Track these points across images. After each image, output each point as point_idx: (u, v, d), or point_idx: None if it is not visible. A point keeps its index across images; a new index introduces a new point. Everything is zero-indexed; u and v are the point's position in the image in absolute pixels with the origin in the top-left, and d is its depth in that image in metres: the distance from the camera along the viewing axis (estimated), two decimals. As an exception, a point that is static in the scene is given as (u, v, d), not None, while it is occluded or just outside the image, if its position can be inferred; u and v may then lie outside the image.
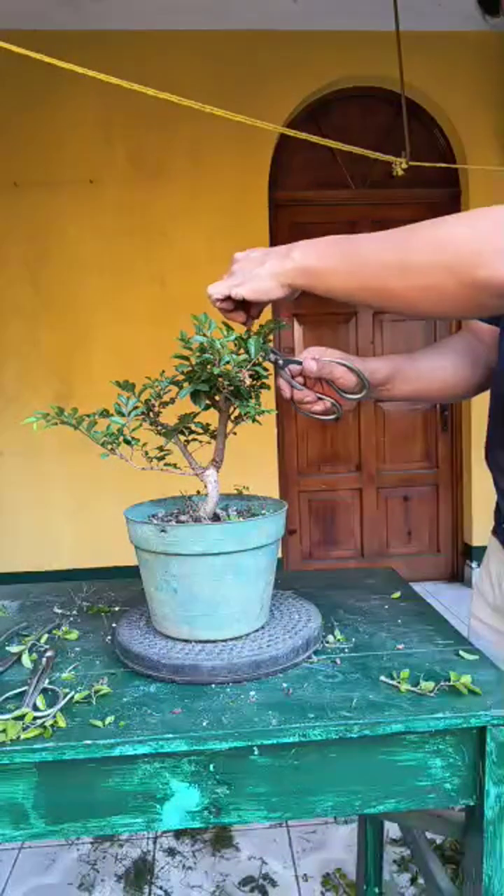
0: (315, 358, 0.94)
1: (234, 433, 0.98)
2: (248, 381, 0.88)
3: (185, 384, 0.90)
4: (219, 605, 0.88)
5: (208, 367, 0.86)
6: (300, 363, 0.94)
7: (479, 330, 1.09)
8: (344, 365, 0.94)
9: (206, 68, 3.42)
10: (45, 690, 0.83)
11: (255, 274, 0.87)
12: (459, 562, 3.97)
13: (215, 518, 0.95)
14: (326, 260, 0.84)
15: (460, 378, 1.07)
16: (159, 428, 0.94)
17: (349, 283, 0.82)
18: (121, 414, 0.90)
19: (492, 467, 1.01)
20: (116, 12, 3.27)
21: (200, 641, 0.89)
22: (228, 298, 0.89)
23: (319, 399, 0.96)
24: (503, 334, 1.00)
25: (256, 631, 0.92)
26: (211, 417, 0.95)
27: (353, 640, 0.95)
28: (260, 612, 0.92)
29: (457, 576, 3.96)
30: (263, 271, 0.86)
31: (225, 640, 0.89)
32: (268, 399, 0.99)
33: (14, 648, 0.95)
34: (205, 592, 0.87)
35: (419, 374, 1.05)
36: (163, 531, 0.85)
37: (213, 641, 0.89)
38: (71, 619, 1.09)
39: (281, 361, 0.94)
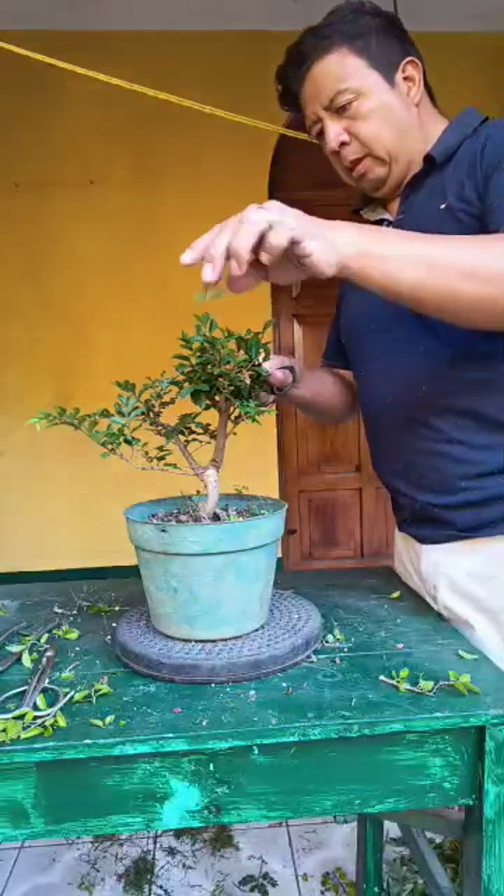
0: (277, 369, 1.05)
1: (234, 433, 0.98)
2: (248, 382, 0.89)
3: (186, 384, 0.90)
4: (218, 605, 0.88)
5: (208, 367, 0.86)
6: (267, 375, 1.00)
7: (343, 373, 1.30)
8: (288, 368, 1.07)
9: (206, 69, 3.42)
10: (45, 690, 0.83)
11: (329, 237, 0.75)
12: (459, 562, 3.96)
13: (215, 518, 0.95)
14: (399, 251, 0.79)
15: (339, 397, 1.27)
16: (159, 428, 0.94)
17: (415, 279, 0.78)
18: (121, 414, 0.90)
19: (378, 474, 1.17)
20: (116, 12, 3.27)
21: (200, 641, 0.89)
22: (257, 251, 0.74)
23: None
24: (358, 366, 1.17)
25: (256, 630, 0.92)
26: (211, 417, 0.95)
27: (353, 639, 0.95)
28: (259, 612, 0.93)
29: (457, 576, 3.96)
30: (329, 240, 0.75)
31: (224, 640, 0.89)
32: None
33: (14, 648, 0.96)
34: (204, 592, 0.87)
35: (321, 381, 1.25)
36: (163, 531, 0.85)
37: (213, 641, 0.89)
38: (71, 618, 1.10)
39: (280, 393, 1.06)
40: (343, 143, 1.05)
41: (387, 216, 1.13)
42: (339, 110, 1.03)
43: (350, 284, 0.95)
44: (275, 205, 0.75)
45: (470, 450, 0.99)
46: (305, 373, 1.16)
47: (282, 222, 0.72)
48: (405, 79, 1.04)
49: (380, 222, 1.13)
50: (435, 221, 0.96)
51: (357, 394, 1.24)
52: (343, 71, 1.01)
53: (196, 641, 0.89)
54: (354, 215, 1.18)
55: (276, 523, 0.91)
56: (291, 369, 1.09)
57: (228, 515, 0.97)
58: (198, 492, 1.01)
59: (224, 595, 0.87)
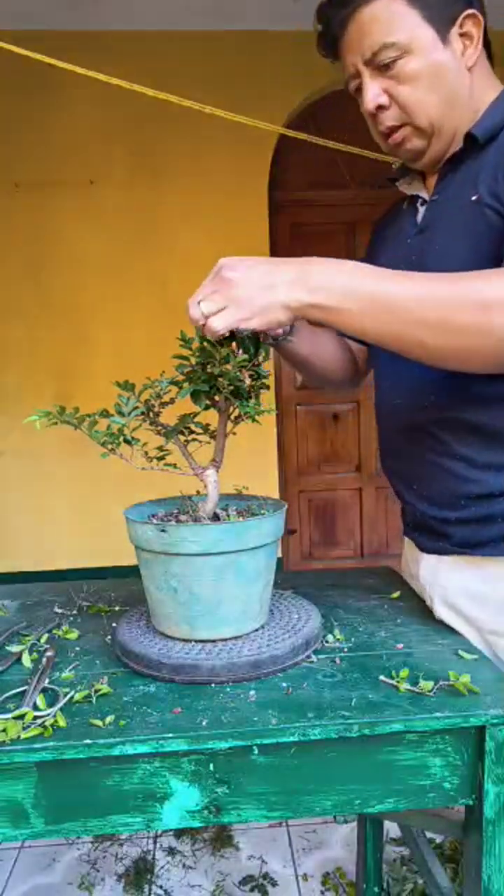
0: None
1: (234, 433, 0.98)
2: (248, 382, 0.89)
3: (185, 384, 0.90)
4: (218, 605, 0.88)
5: (208, 367, 0.86)
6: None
7: (349, 343, 1.19)
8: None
9: (206, 68, 3.42)
10: (45, 690, 0.83)
11: (265, 305, 0.78)
12: (459, 562, 3.96)
13: (215, 518, 0.95)
14: (352, 303, 0.77)
15: (339, 364, 1.16)
16: (159, 428, 0.94)
17: (374, 329, 0.77)
18: (121, 414, 0.90)
19: (385, 474, 1.10)
20: (116, 12, 3.27)
21: (200, 641, 0.89)
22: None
23: None
24: (373, 359, 1.08)
25: (256, 630, 0.92)
26: (210, 417, 0.95)
27: (353, 639, 0.95)
28: (259, 612, 0.93)
29: (457, 576, 3.96)
30: (275, 301, 0.77)
31: (224, 640, 0.89)
32: (267, 399, 0.99)
33: (14, 648, 0.96)
34: (204, 592, 0.87)
35: (322, 342, 1.13)
36: (162, 531, 0.85)
37: (213, 641, 0.89)
38: (71, 618, 1.10)
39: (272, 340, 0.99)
40: (381, 107, 0.92)
41: (423, 194, 1.01)
42: (382, 67, 0.89)
43: (376, 252, 0.96)
44: (222, 289, 0.78)
45: (474, 468, 0.92)
46: (305, 329, 1.08)
47: (219, 314, 0.78)
48: (462, 35, 0.89)
49: (415, 199, 1.02)
50: (464, 214, 0.88)
51: (362, 372, 1.19)
52: (392, 21, 0.87)
53: (196, 641, 0.89)
54: (390, 183, 1.07)
55: (276, 523, 0.91)
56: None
57: (228, 515, 0.97)
58: (198, 492, 1.01)
59: (224, 595, 0.87)
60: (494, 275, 0.75)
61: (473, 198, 0.87)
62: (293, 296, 0.77)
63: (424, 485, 0.99)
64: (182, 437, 0.97)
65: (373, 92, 0.91)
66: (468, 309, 0.74)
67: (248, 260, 0.80)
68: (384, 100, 0.91)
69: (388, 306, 0.76)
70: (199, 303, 0.79)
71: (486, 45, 0.93)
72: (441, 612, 1.00)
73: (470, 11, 0.88)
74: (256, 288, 0.78)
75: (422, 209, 0.99)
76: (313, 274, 0.78)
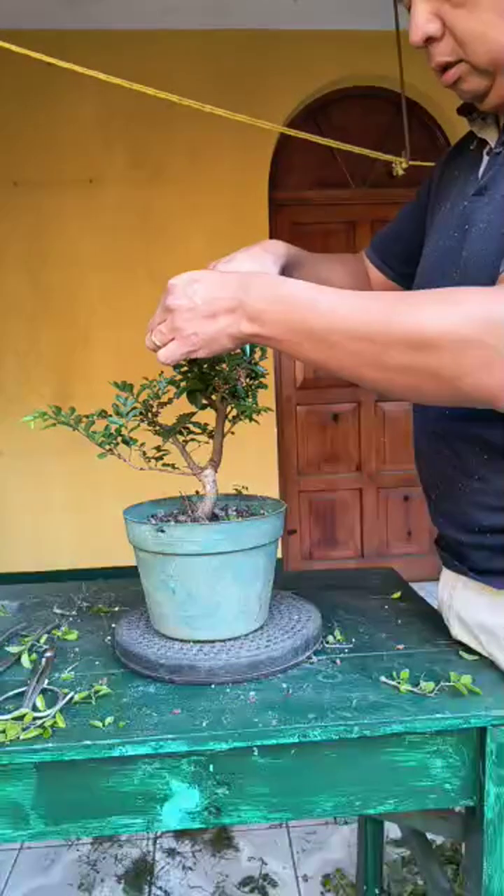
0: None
1: (233, 433, 0.98)
2: (244, 381, 0.88)
3: (183, 384, 0.90)
4: (218, 606, 0.87)
5: (204, 366, 0.86)
6: None
7: (373, 275, 1.10)
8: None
9: (206, 68, 3.42)
10: (44, 691, 0.83)
11: (210, 336, 0.75)
12: (459, 562, 3.96)
13: (214, 518, 0.95)
14: (291, 334, 0.72)
15: (351, 287, 1.03)
16: (157, 428, 0.94)
17: (316, 360, 0.72)
18: (119, 414, 0.90)
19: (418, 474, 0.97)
20: (116, 12, 3.27)
21: (199, 642, 0.89)
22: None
23: None
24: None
25: (256, 631, 0.92)
26: (209, 417, 0.95)
27: (353, 640, 0.95)
28: (259, 612, 0.92)
29: (457, 576, 3.96)
30: (220, 332, 0.74)
31: (224, 641, 0.89)
32: (266, 398, 0.99)
33: (14, 649, 0.95)
34: (203, 592, 0.87)
35: (317, 271, 1.03)
36: (161, 531, 0.85)
37: (212, 642, 0.89)
38: (70, 619, 1.09)
39: None
40: (430, 39, 0.75)
41: (491, 139, 0.84)
42: None
43: (439, 193, 0.89)
44: (168, 319, 0.77)
45: (492, 495, 0.81)
46: (306, 258, 1.01)
47: (168, 346, 0.78)
48: None
49: (484, 142, 0.85)
50: None
51: None
52: None
53: (195, 642, 0.89)
54: (460, 116, 0.88)
55: (275, 523, 0.91)
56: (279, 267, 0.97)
57: (227, 516, 0.97)
58: (197, 492, 1.01)
59: (223, 596, 0.87)
60: (429, 301, 0.65)
61: None
62: (235, 326, 0.74)
63: (441, 499, 0.91)
64: (180, 437, 0.97)
65: (422, 16, 0.73)
66: (401, 347, 0.65)
67: (192, 284, 0.76)
68: (433, 28, 0.73)
69: (324, 338, 0.69)
70: (151, 331, 0.79)
71: None
72: (457, 632, 0.94)
73: None
74: (199, 318, 0.75)
75: (486, 160, 0.83)
76: (249, 302, 0.73)
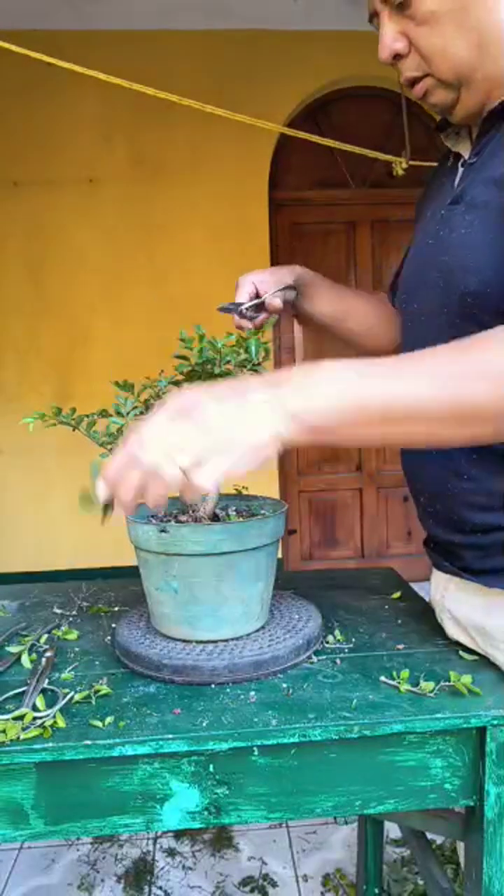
0: (267, 293, 0.96)
1: None
2: None
3: (185, 384, 0.90)
4: (219, 606, 0.87)
5: (209, 366, 0.86)
6: (261, 302, 0.97)
7: (390, 307, 1.10)
8: (284, 289, 1.00)
9: (206, 68, 3.42)
10: (44, 691, 0.83)
11: (253, 444, 0.61)
12: (459, 562, 3.96)
13: (215, 518, 0.95)
14: (346, 415, 0.62)
15: (375, 324, 1.06)
16: None
17: (378, 439, 0.67)
18: (119, 414, 0.90)
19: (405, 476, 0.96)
20: (116, 12, 3.27)
21: (200, 641, 0.89)
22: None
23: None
24: (403, 332, 0.95)
25: (257, 631, 0.92)
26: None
27: (353, 640, 0.95)
28: (260, 612, 0.92)
29: (457, 576, 3.96)
30: (259, 438, 0.61)
31: (225, 641, 0.89)
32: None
33: (14, 648, 0.95)
34: (205, 592, 0.87)
35: (342, 298, 1.04)
36: (163, 531, 0.85)
37: (214, 642, 0.89)
38: (71, 619, 1.09)
39: (245, 312, 0.97)
40: (398, 55, 0.78)
41: (464, 152, 0.87)
42: (399, 6, 0.75)
43: (421, 206, 0.90)
44: (193, 436, 0.61)
45: (482, 495, 0.81)
46: (325, 287, 1.00)
47: (204, 468, 0.60)
48: None
49: (459, 157, 0.88)
50: (490, 194, 0.74)
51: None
52: None
53: (196, 642, 0.89)
54: (438, 133, 0.92)
55: (276, 523, 0.91)
56: (297, 289, 1.01)
57: (228, 516, 0.97)
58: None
59: (224, 596, 0.87)
60: (480, 373, 0.61)
61: (500, 173, 0.73)
62: (278, 424, 0.61)
63: (432, 502, 0.91)
64: None
65: (389, 36, 0.77)
66: (455, 425, 0.62)
67: (208, 391, 0.64)
68: (400, 45, 0.77)
69: (384, 413, 0.62)
70: (168, 455, 0.61)
71: None
72: (452, 632, 0.94)
73: None
74: (236, 425, 0.61)
75: (461, 171, 0.85)
76: (290, 401, 0.62)
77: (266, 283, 0.99)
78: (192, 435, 0.61)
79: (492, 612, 0.85)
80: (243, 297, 0.98)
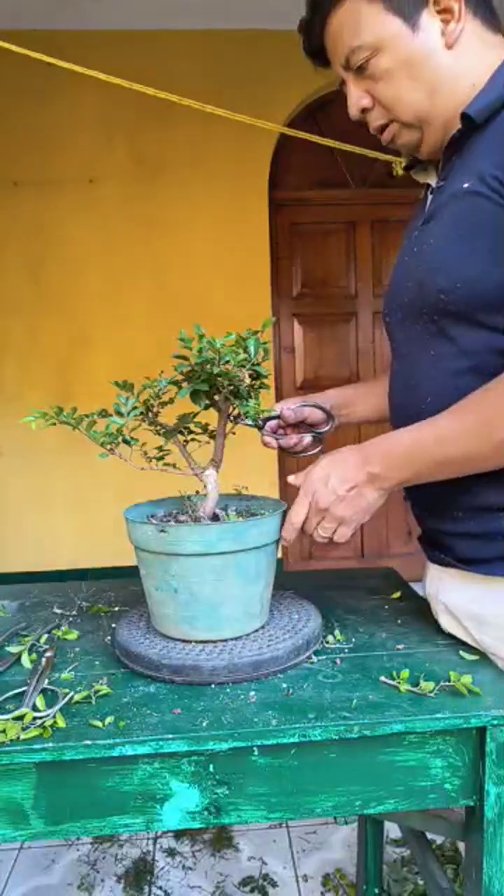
0: (287, 407, 1.07)
1: (234, 433, 0.98)
2: (247, 381, 0.88)
3: (185, 384, 0.90)
4: (219, 606, 0.88)
5: (208, 366, 0.86)
6: (277, 416, 1.07)
7: None
8: (309, 405, 1.10)
9: (206, 68, 3.42)
10: (44, 691, 0.83)
11: (365, 509, 0.89)
12: (459, 562, 3.96)
13: (214, 518, 0.95)
14: (418, 476, 0.87)
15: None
16: (158, 428, 0.94)
17: (447, 476, 0.86)
18: (120, 414, 0.90)
19: None
20: (116, 12, 3.27)
21: (200, 641, 0.89)
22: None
23: (301, 438, 1.09)
24: (391, 343, 1.06)
25: (256, 631, 0.92)
26: (210, 417, 0.94)
27: (353, 640, 0.95)
28: (260, 612, 0.92)
29: (457, 576, 3.96)
30: (367, 506, 0.89)
31: (224, 640, 0.89)
32: (267, 399, 0.99)
33: (14, 648, 0.95)
34: (205, 592, 0.87)
35: (378, 393, 1.15)
36: (162, 531, 0.85)
37: (213, 641, 0.89)
38: (71, 619, 1.09)
39: (261, 422, 1.05)
40: (364, 109, 0.92)
41: (433, 181, 0.97)
42: (359, 70, 0.88)
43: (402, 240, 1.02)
44: (328, 515, 0.88)
45: (479, 483, 0.86)
46: (362, 394, 1.16)
47: (338, 531, 0.89)
48: (440, 12, 0.84)
49: (428, 187, 0.99)
50: (457, 203, 0.84)
51: None
52: (357, 22, 0.85)
53: (196, 642, 0.89)
54: (406, 173, 1.04)
55: (276, 523, 0.91)
56: (324, 411, 1.11)
57: (228, 515, 0.97)
58: (197, 492, 1.01)
59: (224, 595, 0.87)
60: None
61: (465, 185, 0.82)
62: (377, 497, 0.89)
63: (427, 495, 0.95)
64: (181, 438, 0.97)
65: (354, 96, 0.92)
66: (497, 460, 0.82)
67: (326, 481, 0.88)
68: (366, 102, 0.91)
69: (439, 471, 0.85)
70: (315, 529, 0.90)
71: (485, 6, 0.87)
72: (445, 623, 0.97)
73: None
74: (350, 506, 0.88)
75: (430, 197, 0.96)
76: (380, 475, 0.87)
77: (292, 401, 1.11)
78: (325, 519, 0.89)
79: (486, 598, 0.89)
80: (276, 410, 1.08)
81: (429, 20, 0.84)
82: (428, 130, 0.90)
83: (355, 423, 1.20)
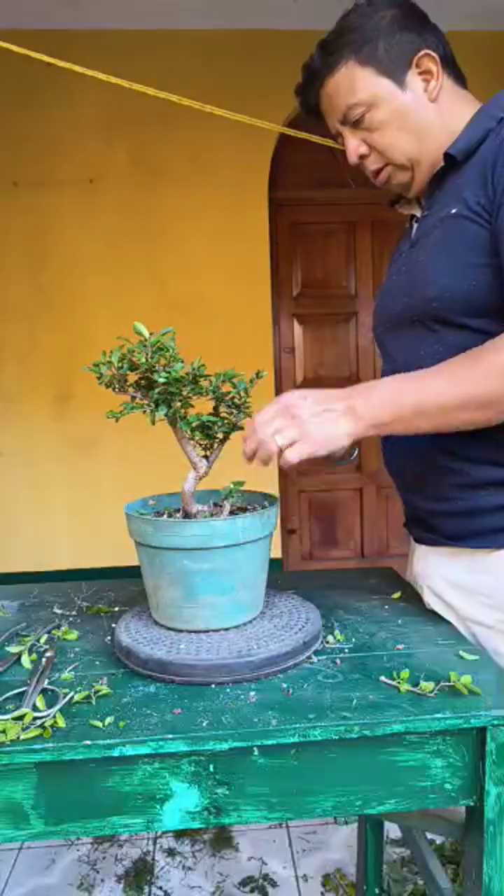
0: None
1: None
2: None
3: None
4: (217, 596, 0.89)
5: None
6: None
7: None
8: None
9: (206, 68, 3.42)
10: (44, 691, 0.83)
11: (328, 437, 0.87)
12: (459, 562, 3.96)
13: (187, 515, 0.97)
14: (399, 418, 0.88)
15: None
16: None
17: (427, 427, 0.88)
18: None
19: (385, 464, 1.14)
20: (116, 12, 3.27)
21: (197, 631, 0.90)
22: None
23: None
24: (384, 357, 1.13)
25: (256, 630, 0.92)
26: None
27: (353, 640, 0.95)
28: (257, 603, 0.95)
29: (457, 576, 3.95)
30: (336, 433, 0.88)
31: (222, 630, 0.90)
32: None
33: (14, 649, 0.95)
34: (203, 585, 0.88)
35: None
36: (158, 526, 0.87)
37: (207, 631, 0.90)
38: (71, 619, 1.09)
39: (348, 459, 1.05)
40: (362, 156, 1.05)
41: (417, 212, 1.11)
42: (355, 123, 1.03)
43: (388, 266, 1.11)
44: (292, 425, 0.86)
45: (458, 460, 0.98)
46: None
47: (293, 446, 0.86)
48: (421, 73, 1.00)
49: (413, 217, 1.12)
50: (445, 227, 0.96)
51: None
52: (352, 85, 1.00)
53: (195, 633, 0.90)
54: (390, 208, 1.19)
55: (270, 516, 0.93)
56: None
57: (222, 511, 0.98)
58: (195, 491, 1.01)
59: (220, 587, 0.89)
60: (486, 372, 0.84)
61: (453, 211, 0.95)
62: (349, 427, 0.88)
63: (415, 476, 1.06)
64: (195, 436, 0.98)
65: (353, 145, 1.05)
66: (471, 409, 0.85)
67: (306, 397, 0.89)
68: (364, 149, 1.04)
69: (430, 410, 0.87)
70: (273, 435, 0.87)
71: (456, 70, 1.04)
72: (429, 600, 1.06)
73: (423, 52, 0.98)
74: (319, 424, 0.87)
75: (415, 226, 1.08)
76: (358, 407, 0.88)
77: None
78: (289, 425, 0.87)
79: (472, 569, 0.99)
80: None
81: (413, 79, 1.00)
82: (418, 170, 1.04)
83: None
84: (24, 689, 0.83)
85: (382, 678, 0.82)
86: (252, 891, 1.68)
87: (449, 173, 1.00)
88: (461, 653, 0.89)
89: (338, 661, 0.89)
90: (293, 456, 0.86)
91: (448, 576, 1.03)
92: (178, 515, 0.98)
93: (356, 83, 1.00)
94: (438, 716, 0.74)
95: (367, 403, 0.88)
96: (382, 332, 1.12)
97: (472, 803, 0.77)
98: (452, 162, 0.98)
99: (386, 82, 0.99)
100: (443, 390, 0.86)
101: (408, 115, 1.00)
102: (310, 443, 0.86)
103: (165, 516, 0.99)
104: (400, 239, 1.18)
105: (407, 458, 1.06)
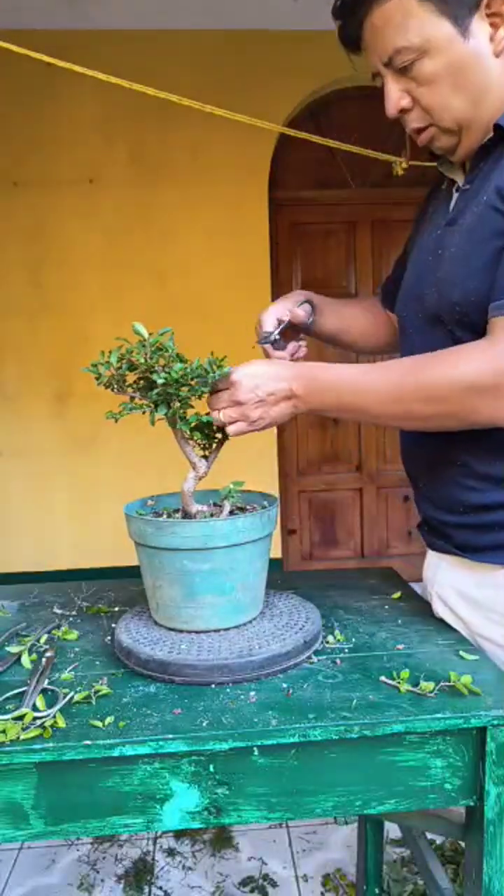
0: (290, 310, 1.09)
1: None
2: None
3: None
4: (217, 596, 0.89)
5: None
6: (287, 324, 1.09)
7: (382, 311, 1.22)
8: (302, 303, 1.12)
9: (206, 68, 3.42)
10: (44, 691, 0.83)
11: (267, 421, 0.92)
12: (459, 562, 3.95)
13: (186, 515, 0.97)
14: (338, 412, 0.92)
15: (372, 332, 1.22)
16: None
17: (365, 422, 0.96)
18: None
19: (403, 465, 1.10)
20: (116, 12, 3.27)
21: (196, 632, 0.90)
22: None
23: (298, 346, 1.11)
24: (403, 336, 1.07)
25: (256, 630, 0.92)
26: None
27: (353, 640, 0.95)
28: (256, 602, 0.95)
29: (457, 576, 3.95)
30: (274, 418, 0.92)
31: (222, 630, 0.91)
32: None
33: (14, 649, 0.95)
34: (203, 585, 0.88)
35: (341, 315, 1.19)
36: (157, 526, 0.87)
37: (206, 631, 0.90)
38: (71, 619, 1.09)
39: (277, 339, 1.07)
40: (404, 110, 0.90)
41: (459, 179, 0.97)
42: (401, 70, 0.86)
43: (417, 227, 1.06)
44: (236, 407, 0.91)
45: (472, 478, 0.92)
46: (328, 304, 1.16)
47: (234, 424, 0.92)
48: (490, 15, 0.82)
49: (454, 181, 0.98)
50: (480, 215, 0.85)
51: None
52: (405, 21, 0.82)
53: (194, 633, 0.90)
54: (430, 157, 1.01)
55: (270, 517, 0.93)
56: (310, 304, 1.12)
57: (221, 511, 0.98)
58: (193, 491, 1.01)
59: (219, 587, 0.89)
60: (436, 362, 0.83)
61: (484, 198, 0.84)
62: (287, 411, 0.92)
63: (428, 486, 1.01)
64: (194, 436, 0.98)
65: (394, 95, 0.89)
66: (423, 403, 0.84)
67: (254, 379, 0.90)
68: (406, 102, 0.89)
69: (364, 410, 0.89)
70: (219, 411, 0.93)
71: None
72: (438, 608, 1.03)
73: None
74: (260, 408, 0.91)
75: (455, 196, 0.96)
76: (300, 393, 0.90)
77: (282, 306, 1.10)
78: (232, 407, 0.91)
79: (480, 583, 0.95)
80: (269, 326, 1.07)
81: (479, 25, 0.82)
82: (466, 136, 0.89)
83: (326, 335, 1.20)
84: (24, 689, 0.83)
85: (382, 678, 0.82)
86: (252, 891, 1.68)
87: (499, 146, 0.85)
88: (461, 653, 0.89)
89: (338, 661, 0.89)
90: (231, 431, 0.93)
91: (458, 586, 0.98)
92: (177, 516, 0.98)
93: (409, 20, 0.82)
94: (438, 716, 0.74)
95: (308, 392, 0.90)
96: (406, 317, 1.03)
97: (472, 803, 0.77)
98: (502, 134, 0.84)
99: (446, 25, 0.82)
100: (382, 399, 0.86)
101: (466, 70, 0.83)
102: (249, 424, 0.92)
103: (165, 516, 0.99)
104: (430, 198, 1.06)
105: (422, 466, 1.02)
